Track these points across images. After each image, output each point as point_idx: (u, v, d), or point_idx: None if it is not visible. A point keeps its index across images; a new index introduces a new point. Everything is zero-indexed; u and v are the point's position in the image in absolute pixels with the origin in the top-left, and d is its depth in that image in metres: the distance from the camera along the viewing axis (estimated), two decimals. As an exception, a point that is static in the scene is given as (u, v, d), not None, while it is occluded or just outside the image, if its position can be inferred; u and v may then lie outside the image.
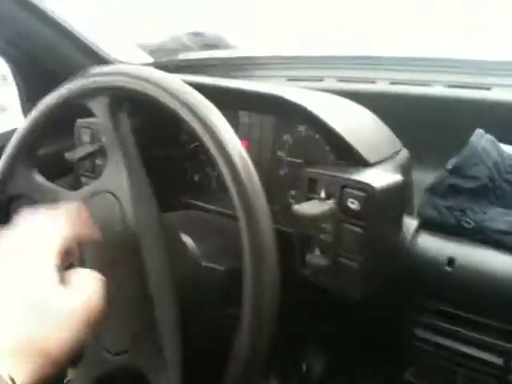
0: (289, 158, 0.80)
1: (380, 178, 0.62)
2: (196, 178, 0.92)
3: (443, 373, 0.69)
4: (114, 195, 0.63)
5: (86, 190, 0.65)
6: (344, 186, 0.61)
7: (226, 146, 0.54)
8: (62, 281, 0.46)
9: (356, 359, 1.00)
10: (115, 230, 0.61)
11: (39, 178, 0.70)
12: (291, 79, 0.95)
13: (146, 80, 0.59)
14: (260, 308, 0.51)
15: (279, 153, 0.81)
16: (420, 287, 0.68)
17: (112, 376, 0.59)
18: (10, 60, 1.00)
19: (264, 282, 0.51)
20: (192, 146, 0.91)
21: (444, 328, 0.68)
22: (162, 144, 0.93)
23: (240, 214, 0.53)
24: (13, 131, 0.73)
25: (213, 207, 0.86)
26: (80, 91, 0.65)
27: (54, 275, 0.46)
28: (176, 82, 0.58)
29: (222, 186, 0.87)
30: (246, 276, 0.51)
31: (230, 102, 0.71)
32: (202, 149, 0.88)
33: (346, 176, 0.61)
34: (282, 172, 0.81)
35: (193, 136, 0.83)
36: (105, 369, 0.58)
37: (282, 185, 0.80)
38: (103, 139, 0.67)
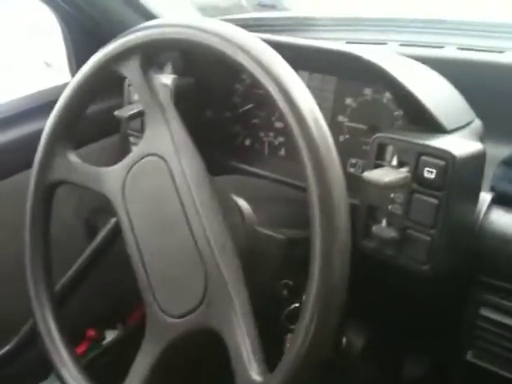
0: (350, 123, 0.76)
1: (460, 145, 0.57)
2: (247, 143, 0.89)
3: (508, 354, 0.65)
4: (162, 158, 0.60)
5: (129, 159, 0.63)
6: (420, 154, 0.57)
7: (299, 104, 0.50)
8: None
9: (403, 337, 0.97)
10: (167, 194, 0.59)
11: (78, 162, 0.69)
12: (351, 42, 0.90)
13: (204, 30, 0.55)
14: (329, 280, 0.48)
15: (340, 117, 0.77)
16: (491, 265, 0.64)
17: (184, 341, 0.57)
18: (60, 15, 0.97)
19: (335, 254, 0.48)
20: (244, 108, 0.87)
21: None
22: (213, 106, 0.90)
23: (311, 180, 0.48)
24: (62, 86, 0.71)
25: (265, 173, 0.83)
26: (111, 55, 0.63)
27: None
28: (241, 33, 0.54)
29: (275, 152, 0.86)
30: (315, 243, 0.48)
31: (300, 59, 0.67)
32: (254, 112, 0.86)
33: (423, 142, 0.57)
34: (341, 138, 0.77)
35: (245, 99, 0.80)
36: (173, 335, 0.57)
37: (341, 152, 0.76)
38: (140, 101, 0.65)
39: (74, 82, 0.67)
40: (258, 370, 0.50)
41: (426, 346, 0.92)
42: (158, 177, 0.60)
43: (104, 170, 0.66)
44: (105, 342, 1.18)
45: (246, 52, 0.52)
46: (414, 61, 0.71)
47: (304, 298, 0.50)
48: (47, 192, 0.70)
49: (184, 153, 0.60)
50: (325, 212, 0.48)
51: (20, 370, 1.03)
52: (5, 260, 0.92)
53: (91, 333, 1.17)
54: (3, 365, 0.99)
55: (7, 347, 0.99)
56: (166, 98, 0.63)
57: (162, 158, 0.60)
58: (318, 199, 0.48)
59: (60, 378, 0.66)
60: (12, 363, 1.01)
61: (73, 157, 0.69)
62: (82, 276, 1.04)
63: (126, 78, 0.88)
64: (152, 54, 0.62)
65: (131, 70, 0.62)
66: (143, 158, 0.62)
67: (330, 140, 0.50)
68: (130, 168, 0.63)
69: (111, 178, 0.64)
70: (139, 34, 0.60)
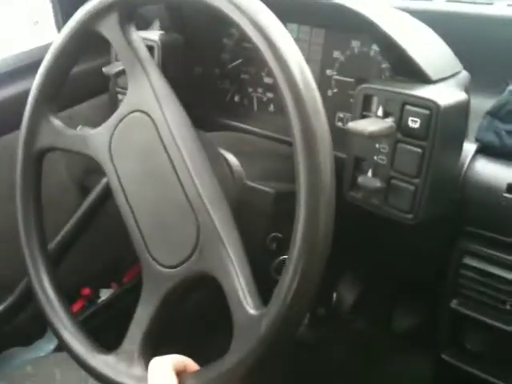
0: (338, 77, 0.76)
1: (445, 95, 0.58)
2: (236, 99, 0.89)
3: (492, 302, 0.67)
4: (145, 113, 0.61)
5: (113, 119, 0.64)
6: (405, 103, 0.57)
7: (285, 55, 0.50)
8: None
9: (391, 290, 0.99)
10: (154, 149, 0.60)
11: (62, 126, 0.69)
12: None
13: None
14: (314, 231, 0.49)
15: (328, 71, 0.76)
16: (475, 214, 0.65)
17: (183, 291, 0.59)
18: None
19: (319, 205, 0.48)
20: (233, 64, 0.87)
21: (495, 256, 0.66)
22: (202, 62, 0.89)
23: (296, 131, 0.49)
24: (47, 46, 0.70)
25: (254, 129, 0.83)
26: (89, 14, 0.63)
27: None
28: None
29: (264, 107, 0.86)
30: (300, 198, 0.49)
31: (288, 11, 0.66)
32: (243, 68, 0.86)
33: (408, 92, 0.57)
34: (329, 92, 0.77)
35: (234, 55, 0.79)
36: (170, 284, 0.58)
37: (329, 106, 0.76)
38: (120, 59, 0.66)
39: (56, 42, 0.67)
40: (253, 305, 0.52)
41: (413, 298, 0.94)
42: (143, 132, 0.61)
43: (89, 132, 0.66)
44: (100, 300, 1.21)
45: (234, 4, 0.52)
46: (401, 12, 0.70)
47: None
48: (35, 158, 0.71)
49: (167, 106, 0.60)
50: (310, 167, 0.48)
51: (17, 328, 1.05)
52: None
53: (86, 291, 1.19)
54: (-1, 323, 1.01)
55: (3, 305, 1.01)
56: (145, 53, 0.63)
57: (145, 113, 0.61)
58: (303, 154, 0.48)
59: (56, 334, 0.68)
60: (8, 321, 1.03)
61: (57, 122, 0.69)
62: (75, 236, 1.05)
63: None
64: (131, 10, 0.62)
65: (109, 28, 0.62)
66: (127, 115, 0.62)
67: (317, 95, 0.50)
68: (116, 127, 0.63)
69: (97, 140, 0.65)
70: None
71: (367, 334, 1.15)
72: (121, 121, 0.63)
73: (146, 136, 0.61)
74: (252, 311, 0.51)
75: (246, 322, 0.52)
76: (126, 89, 0.86)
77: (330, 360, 1.19)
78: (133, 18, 0.63)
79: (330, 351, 1.20)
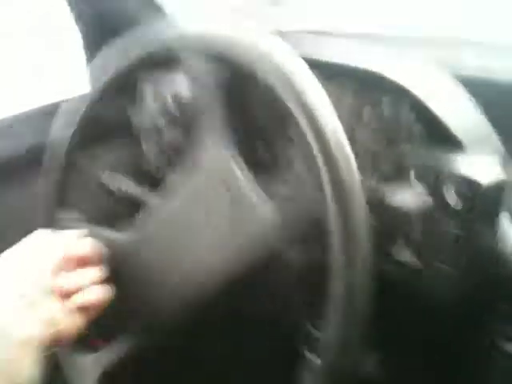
0: (368, 136, 0.73)
1: (483, 172, 0.55)
2: (264, 155, 0.86)
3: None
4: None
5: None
6: (440, 177, 0.55)
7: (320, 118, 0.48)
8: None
9: (416, 367, 0.95)
10: None
11: None
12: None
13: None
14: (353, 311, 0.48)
15: (357, 129, 0.74)
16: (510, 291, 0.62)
17: None
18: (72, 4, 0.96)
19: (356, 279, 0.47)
20: (263, 123, 0.84)
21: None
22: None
23: (330, 201, 0.48)
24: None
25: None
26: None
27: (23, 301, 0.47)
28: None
29: (291, 165, 0.83)
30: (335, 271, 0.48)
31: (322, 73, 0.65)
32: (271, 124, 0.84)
33: (444, 165, 0.55)
34: (359, 151, 0.74)
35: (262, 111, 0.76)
36: None
37: (358, 165, 0.74)
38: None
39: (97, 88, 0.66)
40: None
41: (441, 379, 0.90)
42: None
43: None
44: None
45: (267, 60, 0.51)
46: (437, 73, 0.68)
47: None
48: None
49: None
50: (345, 233, 0.47)
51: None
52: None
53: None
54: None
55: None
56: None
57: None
58: (337, 221, 0.47)
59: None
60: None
61: None
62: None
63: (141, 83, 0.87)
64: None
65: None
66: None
67: (352, 161, 0.49)
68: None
69: None
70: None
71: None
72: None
73: None
74: None
75: None
76: (152, 136, 0.87)
77: None
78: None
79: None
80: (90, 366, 0.63)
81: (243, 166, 0.57)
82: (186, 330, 0.65)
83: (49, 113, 0.77)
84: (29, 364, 0.44)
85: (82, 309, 0.51)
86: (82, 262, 0.53)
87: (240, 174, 0.56)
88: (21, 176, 0.89)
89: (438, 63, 0.75)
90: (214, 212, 0.56)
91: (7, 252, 0.52)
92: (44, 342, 0.47)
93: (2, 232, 0.72)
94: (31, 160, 0.87)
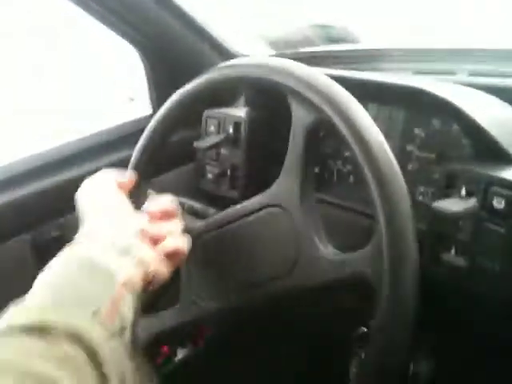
0: (419, 153, 0.78)
1: None
2: (316, 170, 0.92)
3: None
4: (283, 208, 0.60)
5: (251, 205, 0.63)
6: (489, 184, 0.58)
7: (363, 130, 0.52)
8: None
9: (471, 372, 0.95)
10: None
11: None
12: (418, 72, 0.92)
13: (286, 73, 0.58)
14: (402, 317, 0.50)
15: (409, 147, 0.79)
16: None
17: None
18: (139, 48, 1.02)
19: (404, 277, 0.49)
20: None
21: None
22: (283, 137, 0.93)
23: (381, 217, 0.50)
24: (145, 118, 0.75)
25: (335, 200, 0.85)
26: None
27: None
28: (315, 74, 0.58)
29: (344, 179, 0.88)
30: (384, 286, 0.49)
31: (368, 93, 0.70)
32: (323, 141, 0.89)
33: (492, 173, 0.59)
34: (410, 167, 0.79)
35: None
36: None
37: (410, 180, 0.78)
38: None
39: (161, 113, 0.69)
40: None
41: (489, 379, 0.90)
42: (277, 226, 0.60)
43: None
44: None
45: (314, 89, 0.55)
46: (480, 92, 0.72)
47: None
48: None
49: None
50: (392, 244, 0.49)
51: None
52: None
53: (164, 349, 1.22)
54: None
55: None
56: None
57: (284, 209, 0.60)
58: (386, 231, 0.50)
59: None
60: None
61: None
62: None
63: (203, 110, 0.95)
64: None
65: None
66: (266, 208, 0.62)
67: (398, 171, 0.52)
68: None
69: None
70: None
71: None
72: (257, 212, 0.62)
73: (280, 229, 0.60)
74: None
75: None
76: (215, 160, 0.93)
77: None
78: None
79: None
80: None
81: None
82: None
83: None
84: (130, 302, 0.48)
85: (169, 255, 0.55)
86: (166, 216, 0.57)
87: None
88: None
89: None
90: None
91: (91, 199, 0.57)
92: (140, 283, 0.50)
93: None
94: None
